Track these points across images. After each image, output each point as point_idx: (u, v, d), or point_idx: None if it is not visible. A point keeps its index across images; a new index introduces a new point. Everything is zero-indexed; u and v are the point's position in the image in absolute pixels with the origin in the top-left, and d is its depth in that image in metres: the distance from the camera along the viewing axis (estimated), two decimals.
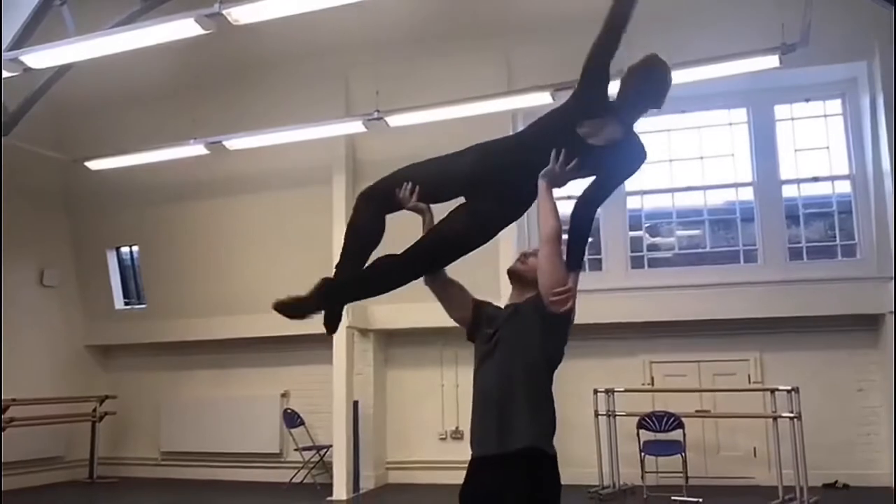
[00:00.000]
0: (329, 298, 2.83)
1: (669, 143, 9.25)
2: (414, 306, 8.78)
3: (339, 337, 8.91)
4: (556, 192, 2.78)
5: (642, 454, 8.06)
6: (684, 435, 7.93)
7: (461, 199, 2.89)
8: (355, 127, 8.25)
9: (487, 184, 2.77)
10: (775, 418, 7.55)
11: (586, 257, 2.98)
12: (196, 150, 8.60)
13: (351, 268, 2.81)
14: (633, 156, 2.86)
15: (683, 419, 7.93)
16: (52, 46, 6.37)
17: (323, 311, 2.86)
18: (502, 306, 2.94)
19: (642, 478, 8.04)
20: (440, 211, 2.90)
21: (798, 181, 8.98)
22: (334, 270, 2.84)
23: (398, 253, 2.81)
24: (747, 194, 9.12)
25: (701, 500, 7.54)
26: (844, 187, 8.84)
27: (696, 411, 8.38)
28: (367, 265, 2.82)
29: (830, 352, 8.51)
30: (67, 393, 10.23)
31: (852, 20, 8.06)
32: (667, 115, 9.13)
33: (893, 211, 7.98)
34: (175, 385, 10.66)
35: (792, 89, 8.88)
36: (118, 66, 7.73)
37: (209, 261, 10.21)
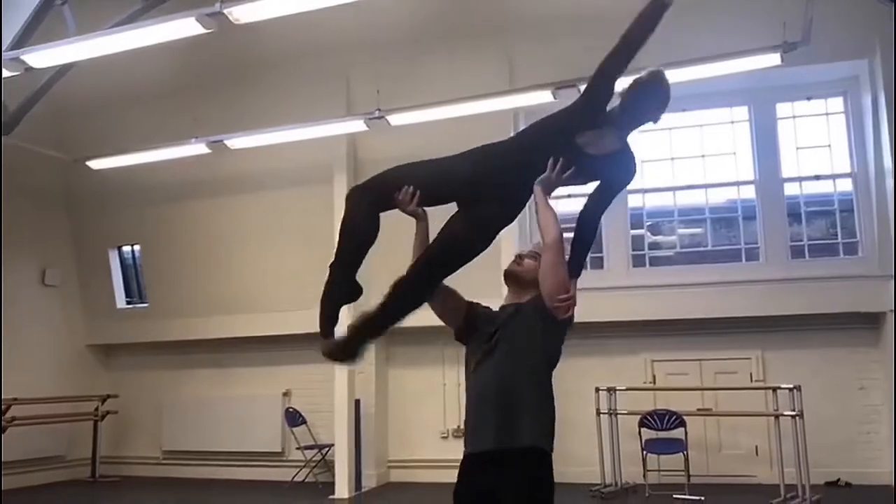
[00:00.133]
0: (364, 339, 2.79)
1: (671, 142, 9.23)
2: None
3: (341, 336, 8.89)
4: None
5: (644, 452, 8.06)
6: (686, 433, 7.93)
7: (452, 207, 2.87)
8: (356, 126, 8.25)
9: (489, 186, 2.76)
10: (777, 416, 7.55)
11: (588, 255, 2.98)
12: (197, 149, 8.60)
13: (345, 268, 2.78)
14: (627, 167, 2.88)
15: (685, 417, 7.93)
16: (53, 46, 6.37)
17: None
18: (495, 308, 2.95)
19: (644, 476, 8.04)
20: (433, 215, 2.88)
21: (800, 179, 8.97)
22: (328, 270, 2.82)
23: (405, 274, 2.79)
24: (749, 192, 9.11)
25: (703, 498, 7.55)
26: (846, 185, 8.82)
27: (698, 410, 8.39)
28: (386, 295, 2.77)
29: (832, 350, 8.51)
30: (69, 392, 10.25)
31: (854, 18, 8.05)
32: (668, 114, 9.06)
33: (894, 209, 7.97)
34: (177, 384, 10.67)
35: (793, 87, 8.86)
36: (119, 66, 7.73)
37: (211, 260, 10.21)
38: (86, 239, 10.95)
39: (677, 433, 7.96)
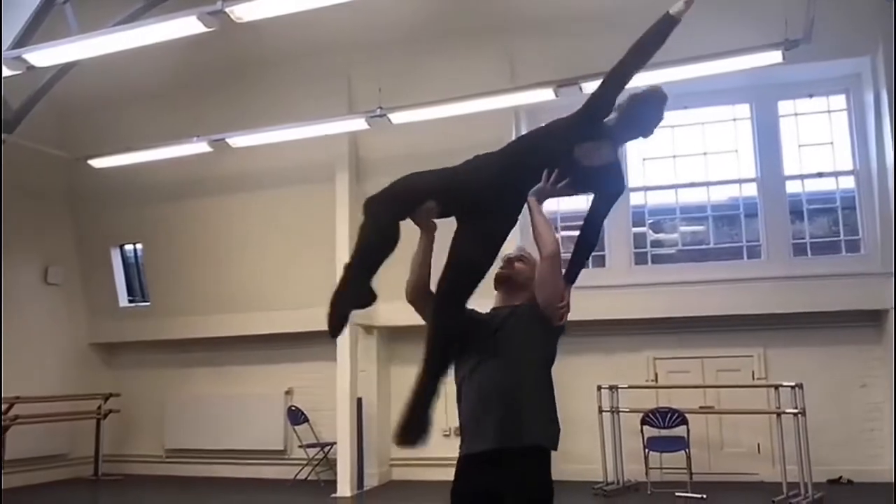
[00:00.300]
0: (424, 410, 2.78)
1: (673, 140, 9.23)
2: None
3: (343, 334, 8.89)
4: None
5: (646, 450, 8.07)
6: (688, 431, 7.93)
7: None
8: (358, 124, 8.25)
9: (493, 196, 2.76)
10: (779, 414, 7.54)
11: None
12: (199, 147, 8.60)
13: (362, 271, 2.74)
14: (618, 178, 2.93)
15: (687, 415, 7.93)
16: (54, 45, 6.38)
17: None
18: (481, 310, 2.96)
19: (646, 474, 8.04)
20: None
21: (802, 177, 8.96)
22: (343, 271, 2.80)
23: (432, 328, 2.79)
24: (751, 190, 9.10)
25: (705, 496, 7.54)
26: (848, 183, 8.81)
27: (700, 407, 8.39)
28: (425, 356, 2.78)
29: (834, 347, 8.50)
30: (72, 390, 10.27)
31: (856, 15, 8.03)
32: (670, 112, 9.06)
33: None
34: (179, 382, 10.68)
35: (795, 85, 8.86)
36: (121, 65, 7.73)
37: (213, 258, 10.22)
38: (88, 237, 10.97)
39: (679, 431, 7.96)
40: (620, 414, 8.39)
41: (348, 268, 2.76)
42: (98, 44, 6.28)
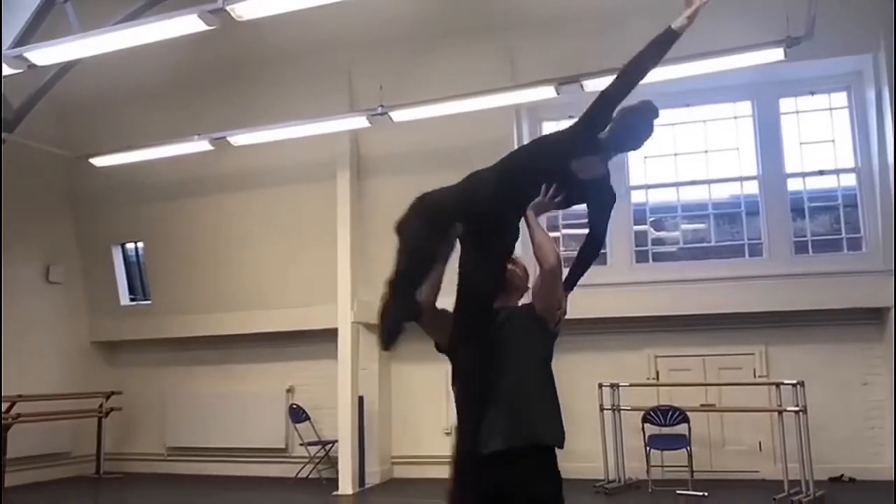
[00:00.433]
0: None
1: (674, 137, 9.22)
2: None
3: (344, 332, 8.93)
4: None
5: (647, 448, 8.07)
6: (689, 429, 7.93)
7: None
8: (359, 122, 8.24)
9: (500, 213, 2.79)
10: (780, 412, 7.53)
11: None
12: (200, 146, 8.61)
13: (407, 291, 2.76)
14: (610, 190, 3.00)
15: (688, 413, 7.92)
16: (55, 43, 6.38)
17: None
18: None
19: (647, 472, 8.05)
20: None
21: (803, 174, 8.95)
22: (387, 292, 2.78)
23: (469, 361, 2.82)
24: (752, 188, 9.09)
25: (706, 494, 7.54)
26: (850, 180, 8.80)
27: (702, 405, 8.39)
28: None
29: (836, 345, 8.49)
30: (73, 389, 10.29)
31: (857, 13, 8.01)
32: (671, 109, 9.11)
33: None
34: (181, 381, 10.69)
35: (797, 82, 8.85)
36: (122, 63, 7.72)
37: (214, 257, 10.23)
38: (89, 236, 10.97)
39: (681, 429, 7.96)
40: (622, 412, 8.39)
41: (391, 284, 2.78)
42: (99, 42, 6.28)
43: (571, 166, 2.79)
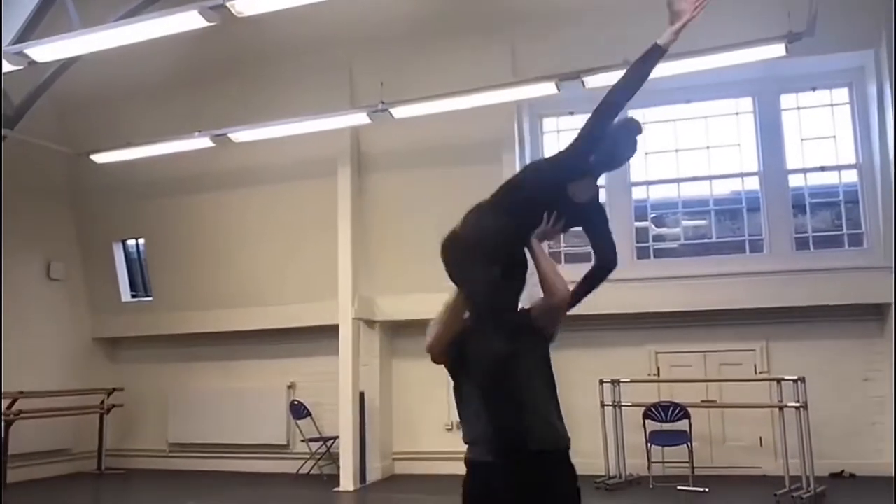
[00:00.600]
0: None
1: (675, 133, 9.21)
2: (420, 297, 8.77)
3: (345, 328, 8.93)
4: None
5: (648, 444, 8.08)
6: (690, 425, 7.94)
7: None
8: (360, 119, 8.24)
9: (515, 251, 2.79)
10: (781, 408, 7.54)
11: (590, 248, 3.03)
12: (201, 142, 8.61)
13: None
14: (601, 207, 2.99)
15: (689, 409, 7.94)
16: (56, 40, 6.39)
17: None
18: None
19: (648, 468, 8.06)
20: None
21: (804, 171, 8.95)
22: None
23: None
24: (753, 184, 9.09)
25: (707, 490, 7.56)
26: (851, 176, 8.80)
27: (702, 401, 8.39)
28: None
29: (837, 341, 8.50)
30: (75, 385, 10.29)
31: (859, 8, 8.00)
32: (673, 105, 9.11)
33: None
34: (182, 377, 10.70)
35: (798, 78, 8.84)
36: (123, 60, 7.73)
37: (215, 253, 10.23)
38: (90, 233, 10.98)
39: (681, 425, 7.97)
40: (622, 408, 8.40)
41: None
42: (99, 39, 6.28)
43: (568, 191, 2.80)
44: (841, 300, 8.28)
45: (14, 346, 9.33)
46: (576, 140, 2.82)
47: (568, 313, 2.88)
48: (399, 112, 7.92)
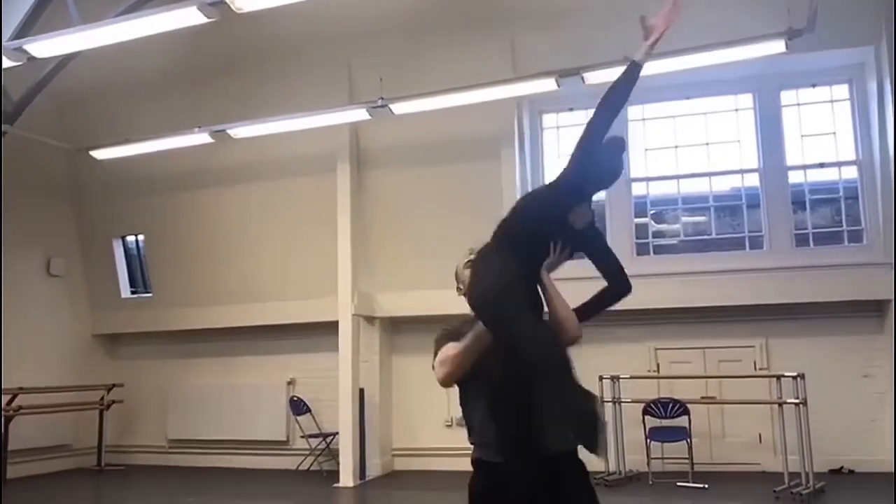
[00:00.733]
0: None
1: (675, 130, 9.20)
2: (419, 293, 8.80)
3: (345, 324, 8.93)
4: None
5: (648, 441, 8.09)
6: (690, 421, 7.95)
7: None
8: (359, 115, 8.24)
9: (533, 285, 2.81)
10: (781, 404, 7.54)
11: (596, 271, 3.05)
12: (200, 138, 8.60)
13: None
14: (598, 228, 3.00)
15: (689, 406, 7.94)
16: (55, 35, 6.37)
17: None
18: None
19: (648, 464, 8.07)
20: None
21: (804, 167, 8.94)
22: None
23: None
24: (753, 180, 9.09)
25: (706, 486, 7.57)
26: (851, 173, 8.79)
27: (702, 398, 8.39)
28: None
29: (836, 338, 8.50)
30: (75, 381, 10.29)
31: (859, 4, 7.99)
32: (672, 102, 9.10)
33: None
34: (182, 373, 10.71)
35: (798, 74, 8.83)
36: (122, 55, 7.72)
37: (215, 249, 10.23)
38: (90, 229, 10.97)
39: (681, 421, 7.97)
40: (622, 404, 8.40)
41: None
42: (99, 34, 6.27)
43: (569, 220, 2.81)
44: (841, 297, 8.28)
45: (14, 342, 9.34)
46: (568, 166, 2.80)
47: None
48: (398, 108, 7.91)
